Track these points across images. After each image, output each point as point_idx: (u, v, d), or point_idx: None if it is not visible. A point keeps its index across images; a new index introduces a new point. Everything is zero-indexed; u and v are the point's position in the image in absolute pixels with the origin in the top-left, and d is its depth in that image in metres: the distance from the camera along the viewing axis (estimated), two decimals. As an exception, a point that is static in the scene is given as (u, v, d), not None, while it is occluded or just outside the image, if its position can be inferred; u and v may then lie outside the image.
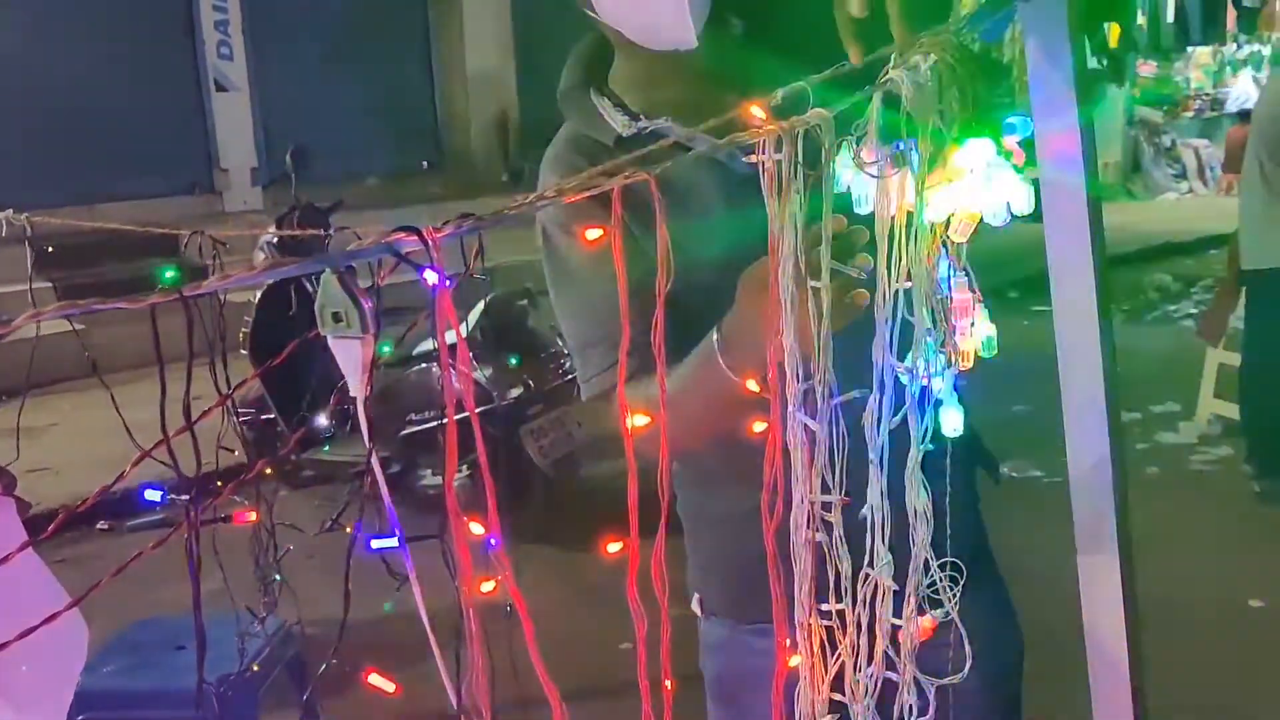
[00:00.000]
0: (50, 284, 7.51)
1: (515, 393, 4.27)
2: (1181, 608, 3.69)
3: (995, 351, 1.02)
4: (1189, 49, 14.03)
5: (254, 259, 5.02)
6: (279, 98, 9.09)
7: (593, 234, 0.86)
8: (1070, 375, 1.09)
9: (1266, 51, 13.02)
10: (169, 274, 0.90)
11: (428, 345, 4.20)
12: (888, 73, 0.91)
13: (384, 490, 0.76)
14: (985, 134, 0.91)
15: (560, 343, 4.56)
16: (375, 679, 0.95)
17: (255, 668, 2.43)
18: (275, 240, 4.90)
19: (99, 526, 4.95)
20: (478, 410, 0.78)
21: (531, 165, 10.15)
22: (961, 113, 0.90)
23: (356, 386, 0.71)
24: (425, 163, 9.22)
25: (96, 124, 8.12)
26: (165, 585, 3.84)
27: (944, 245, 0.97)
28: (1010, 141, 0.94)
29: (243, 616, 2.47)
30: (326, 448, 4.78)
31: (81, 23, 8.12)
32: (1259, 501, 4.51)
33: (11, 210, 1.63)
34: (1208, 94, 14.31)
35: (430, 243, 0.70)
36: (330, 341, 0.70)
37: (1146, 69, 14.15)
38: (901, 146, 0.91)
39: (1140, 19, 13.12)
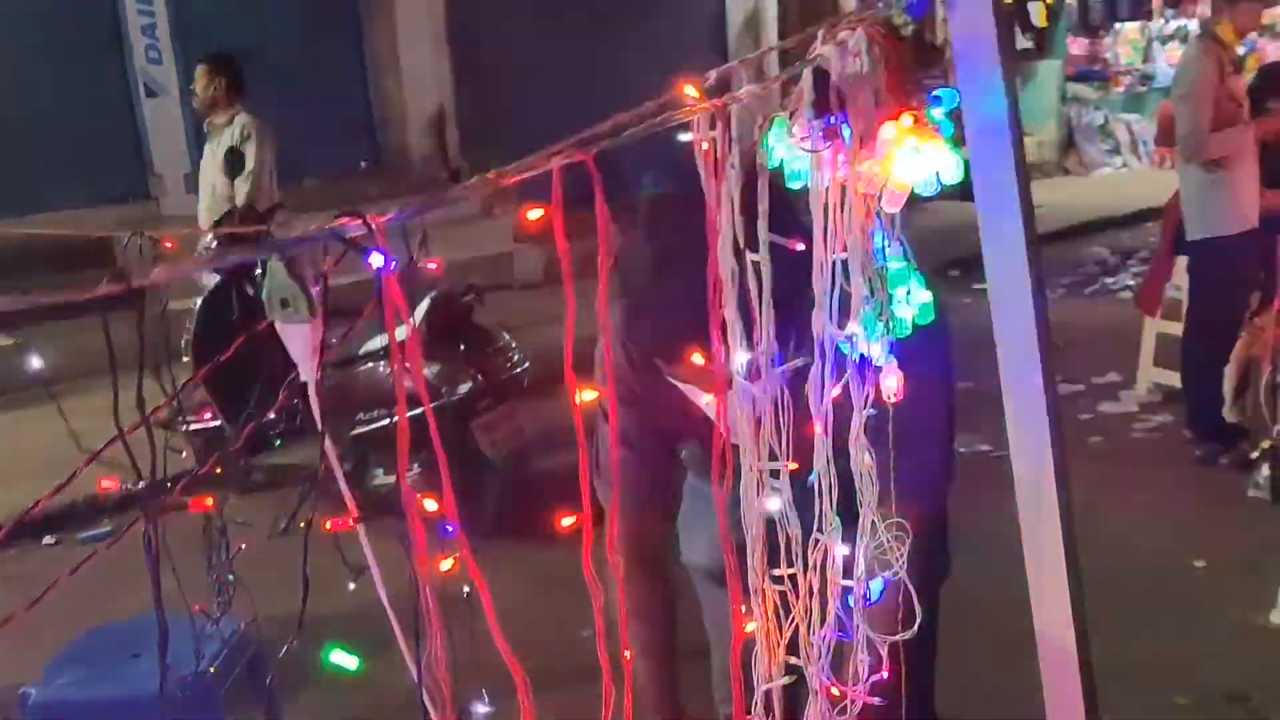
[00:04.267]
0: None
1: (465, 388, 4.26)
2: (1126, 570, 3.78)
3: (931, 318, 1.04)
4: (1116, 25, 14.28)
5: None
6: (211, 101, 8.97)
7: (534, 214, 0.87)
8: (1005, 337, 1.12)
9: (1193, 26, 13.26)
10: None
11: (375, 344, 4.18)
12: (817, 49, 0.93)
13: (338, 472, 0.77)
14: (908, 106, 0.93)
15: (507, 336, 4.56)
16: (337, 657, 0.95)
17: (213, 669, 2.42)
18: (215, 244, 4.85)
19: (45, 541, 4.87)
20: (422, 410, 0.79)
21: (470, 162, 10.11)
22: (888, 88, 0.93)
23: (307, 371, 0.72)
24: (363, 162, 9.14)
25: (23, 133, 7.96)
26: (114, 598, 3.80)
27: (878, 217, 1.00)
28: (937, 113, 0.97)
29: (197, 619, 2.45)
30: (277, 442, 4.74)
31: (6, 31, 7.95)
32: (1198, 465, 4.61)
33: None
34: (1137, 69, 14.55)
35: (373, 227, 0.71)
36: (279, 327, 0.70)
37: (1077, 46, 14.37)
38: (832, 121, 0.93)
39: (1069, -4, 13.37)
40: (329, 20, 9.72)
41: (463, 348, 4.35)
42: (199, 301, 4.87)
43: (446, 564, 0.86)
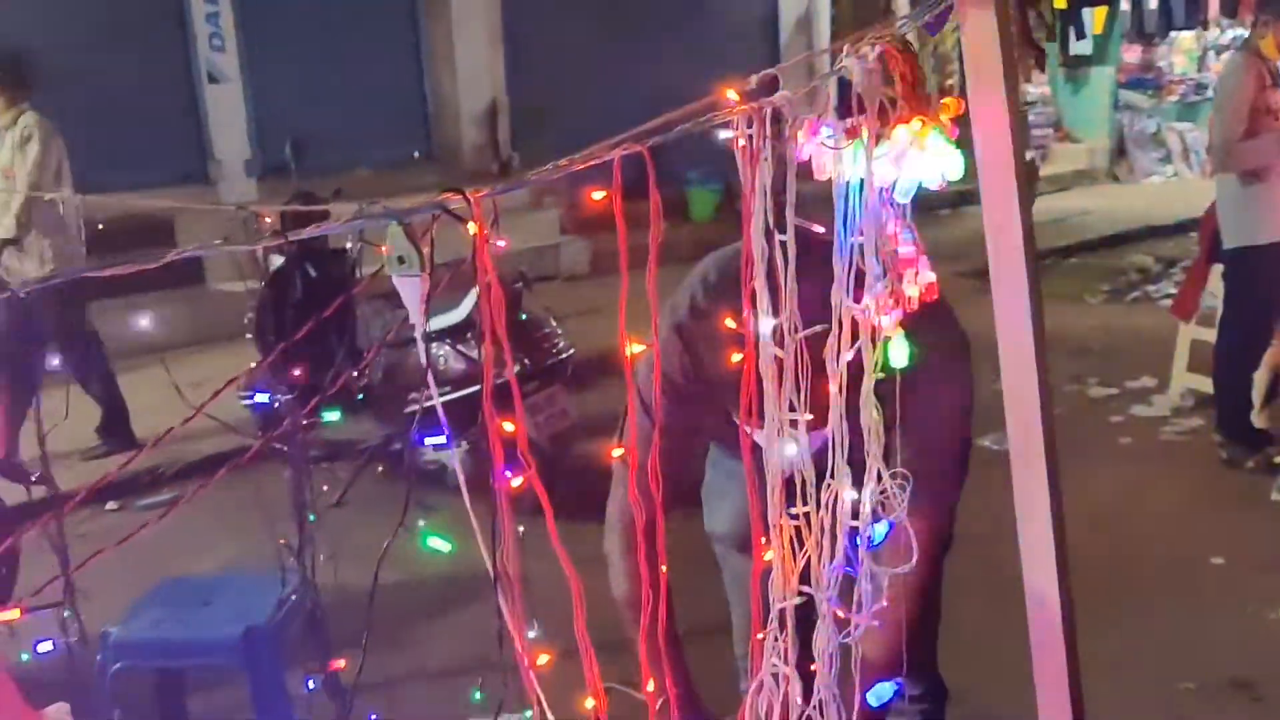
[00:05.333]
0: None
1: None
2: (1147, 563, 3.90)
3: (935, 296, 1.20)
4: (1173, 34, 14.22)
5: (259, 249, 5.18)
6: (271, 89, 9.21)
7: (597, 195, 1.03)
8: (1004, 317, 1.27)
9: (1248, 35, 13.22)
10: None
11: (432, 325, 4.37)
12: (841, 61, 1.09)
13: (434, 390, 0.94)
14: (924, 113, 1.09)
15: (553, 323, 4.74)
16: (434, 542, 1.13)
17: (278, 619, 2.61)
18: (279, 227, 5.05)
19: (108, 507, 5.10)
20: (476, 388, 0.96)
21: (520, 155, 10.30)
22: (903, 93, 1.09)
23: (416, 316, 0.90)
24: (416, 153, 9.36)
25: (87, 117, 8.23)
26: (178, 561, 4.03)
27: (892, 206, 1.16)
28: (943, 118, 1.13)
29: (264, 575, 2.66)
30: (328, 417, 4.94)
31: (74, 17, 8.23)
32: (1225, 468, 4.71)
33: (69, 189, 1.79)
34: (1191, 78, 14.48)
35: (471, 201, 0.88)
36: (395, 280, 0.88)
37: (1131, 53, 14.33)
38: (853, 122, 1.09)
39: (1125, 4, 13.32)
40: (387, 15, 9.95)
41: (511, 332, 4.53)
42: (262, 282, 5.09)
43: (516, 481, 1.03)
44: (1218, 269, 5.06)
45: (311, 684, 2.74)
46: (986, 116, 1.23)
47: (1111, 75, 13.93)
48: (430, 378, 1.16)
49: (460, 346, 4.43)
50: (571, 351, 4.70)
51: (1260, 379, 4.85)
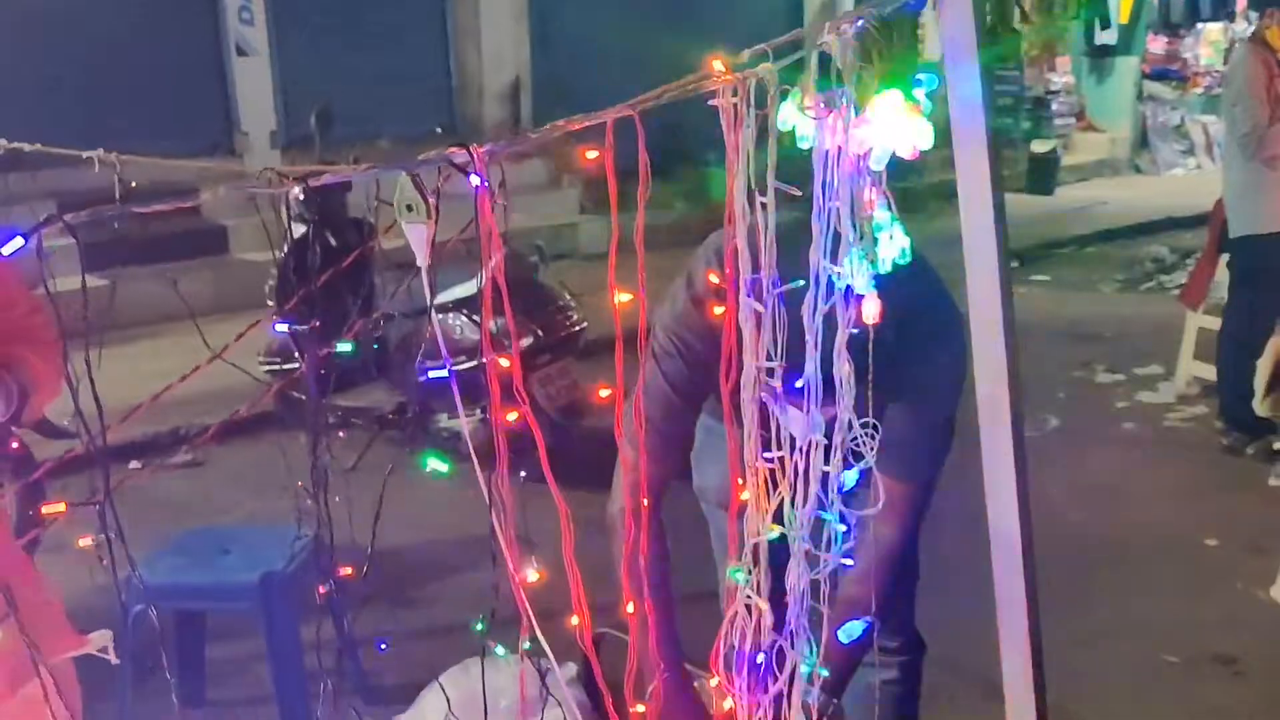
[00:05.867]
0: (73, 240, 7.75)
1: (525, 342, 4.55)
2: (1139, 542, 3.98)
3: (909, 259, 1.29)
4: (1199, 25, 14.15)
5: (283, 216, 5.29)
6: (298, 63, 9.32)
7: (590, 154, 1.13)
8: (975, 279, 1.35)
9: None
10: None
11: (448, 296, 4.47)
12: (822, 37, 1.18)
13: (436, 325, 1.04)
14: (896, 86, 1.18)
15: (568, 297, 4.84)
16: (433, 463, 1.22)
17: (291, 571, 2.72)
18: (302, 197, 5.16)
19: (130, 465, 5.25)
20: (489, 359, 1.05)
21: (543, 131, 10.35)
22: (879, 69, 1.17)
23: (422, 260, 0.99)
24: (439, 128, 9.45)
25: (117, 87, 8.36)
26: (199, 519, 4.15)
27: (870, 174, 1.25)
28: (918, 92, 1.21)
29: (279, 530, 2.76)
30: (349, 346, 5.04)
31: (107, -13, 8.35)
32: (1225, 454, 4.78)
33: (102, 149, 1.88)
34: (1217, 71, 14.43)
35: (475, 156, 0.97)
36: (404, 226, 0.97)
37: (1156, 44, 14.28)
38: (832, 94, 1.18)
39: (1151, -6, 13.29)
40: (416, -10, 10.05)
41: (526, 305, 4.63)
42: (284, 250, 5.20)
43: (512, 416, 1.13)
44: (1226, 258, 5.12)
45: (384, 646, 2.82)
46: (961, 86, 1.31)
47: (1136, 66, 13.88)
48: (436, 326, 1.25)
49: (475, 317, 4.53)
50: (584, 325, 4.80)
51: (1263, 367, 4.90)
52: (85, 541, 1.09)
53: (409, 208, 0.96)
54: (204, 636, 3.08)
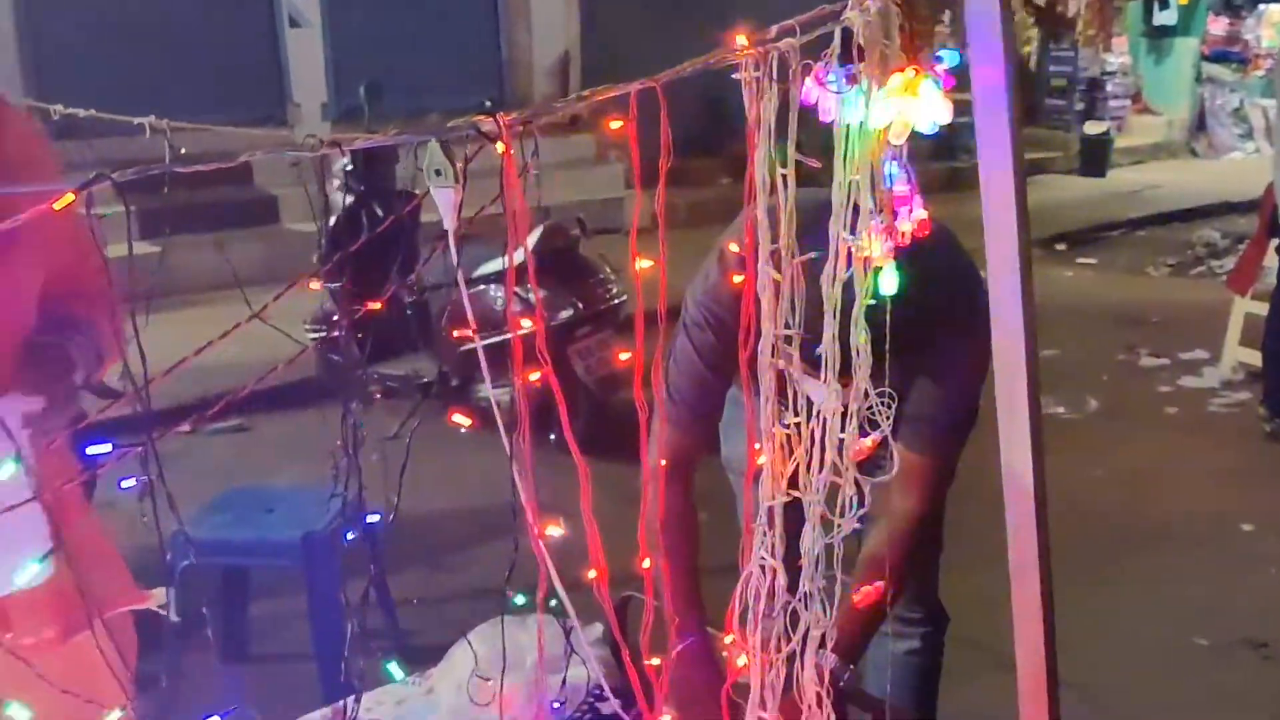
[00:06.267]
0: (133, 208, 7.88)
1: (565, 314, 4.60)
2: (1175, 526, 3.97)
3: (933, 235, 1.31)
4: (1261, 6, 13.88)
5: (328, 187, 5.38)
6: (349, 35, 9.41)
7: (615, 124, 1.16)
8: (995, 263, 1.37)
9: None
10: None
11: (489, 267, 4.53)
12: (845, 14, 1.21)
13: (464, 292, 1.08)
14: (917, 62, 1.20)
15: (608, 270, 4.88)
16: (458, 418, 1.27)
17: (333, 530, 2.80)
18: (350, 168, 5.24)
19: (180, 429, 5.37)
20: (529, 330, 1.09)
21: (589, 108, 10.37)
22: (900, 44, 1.20)
23: (449, 223, 1.04)
24: (487, 102, 9.52)
25: (170, 57, 8.49)
26: (244, 482, 4.24)
27: (892, 147, 1.27)
28: (940, 68, 1.24)
29: (327, 489, 2.83)
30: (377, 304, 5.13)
31: (162, -42, 8.47)
32: (1267, 440, 4.74)
33: (153, 115, 1.94)
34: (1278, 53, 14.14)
35: (501, 124, 1.01)
36: (432, 191, 1.02)
37: (1217, 25, 14.02)
38: (854, 69, 1.21)
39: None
40: (465, -37, 10.09)
41: (566, 277, 4.68)
42: (331, 220, 5.28)
43: (534, 375, 1.18)
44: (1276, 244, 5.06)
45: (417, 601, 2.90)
46: (984, 66, 1.33)
47: (1195, 47, 13.65)
48: (465, 293, 1.30)
49: (516, 289, 4.59)
50: (624, 298, 4.84)
51: (1309, 354, 4.86)
52: (128, 482, 1.15)
53: (437, 172, 1.00)
54: (247, 593, 3.17)
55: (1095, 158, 12.08)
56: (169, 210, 7.00)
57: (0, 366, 1.53)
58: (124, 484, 1.15)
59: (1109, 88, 13.28)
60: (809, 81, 1.22)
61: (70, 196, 0.82)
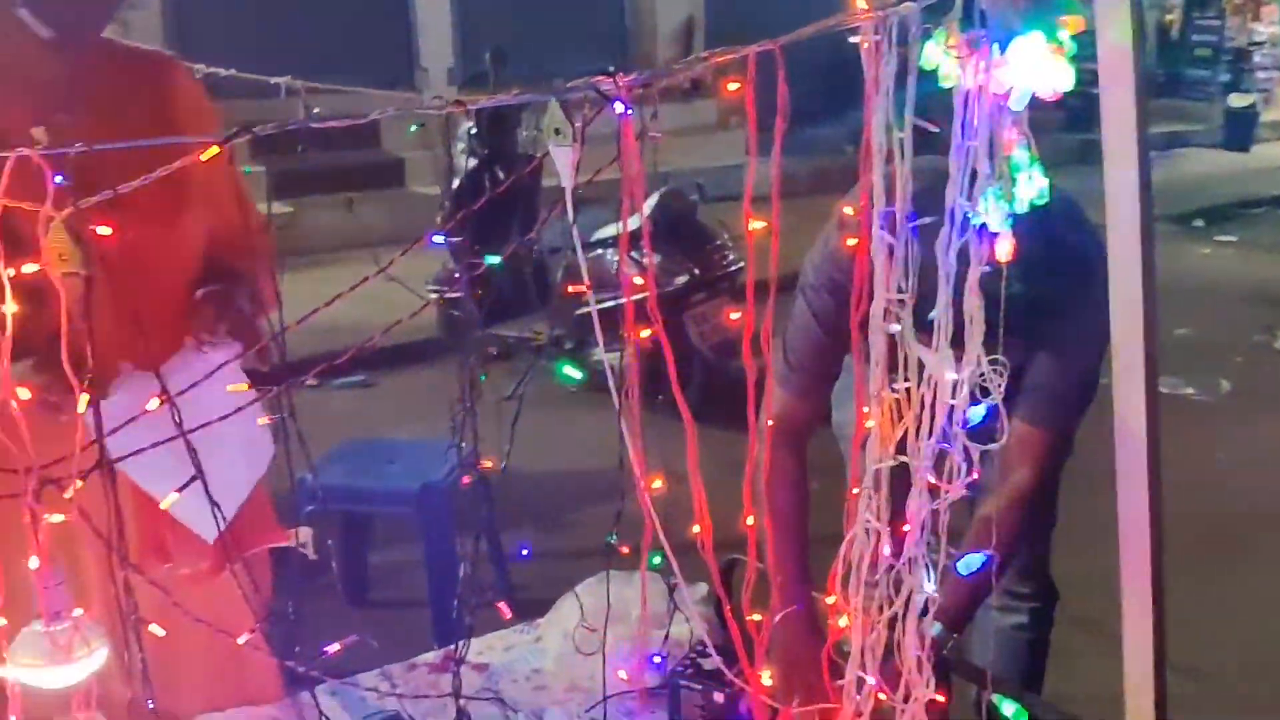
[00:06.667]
0: (263, 168, 8.20)
1: (681, 280, 4.62)
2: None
3: (1046, 200, 1.30)
4: None
5: (454, 149, 5.49)
6: (477, 1, 9.54)
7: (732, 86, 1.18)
8: (1116, 236, 1.35)
9: None
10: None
11: (607, 231, 4.58)
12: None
13: (580, 251, 1.11)
14: (1040, 27, 1.19)
15: (726, 236, 4.89)
16: (569, 370, 1.30)
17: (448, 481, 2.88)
18: (475, 131, 5.33)
19: (308, 383, 5.56)
20: (642, 295, 1.12)
21: (713, 72, 10.35)
22: (1023, 9, 1.18)
23: (567, 181, 1.07)
24: (611, 68, 9.54)
25: (306, 21, 8.71)
26: (366, 435, 4.38)
27: (1012, 113, 1.26)
28: (1063, 33, 1.22)
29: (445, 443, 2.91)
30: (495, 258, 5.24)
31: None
32: None
33: (290, 76, 2.03)
34: None
35: (619, 84, 1.04)
36: (551, 149, 1.05)
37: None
38: (975, 33, 1.20)
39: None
40: (592, -71, 10.12)
41: (683, 243, 4.70)
42: (455, 182, 5.39)
43: (645, 333, 1.20)
44: None
45: (526, 552, 2.98)
46: (1110, 35, 1.31)
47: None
48: (580, 253, 1.33)
49: (634, 253, 4.63)
50: (741, 265, 4.84)
51: None
52: (263, 420, 1.21)
53: (557, 131, 1.03)
54: (368, 540, 3.29)
55: (1239, 131, 11.58)
56: (301, 172, 7.24)
57: (172, 315, 1.63)
58: (260, 421, 1.21)
59: (1256, 58, 12.69)
60: (929, 45, 1.21)
61: (215, 149, 0.87)
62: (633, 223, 3.70)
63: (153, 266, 1.60)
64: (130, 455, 1.01)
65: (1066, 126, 9.17)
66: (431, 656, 1.88)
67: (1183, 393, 4.86)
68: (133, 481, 1.47)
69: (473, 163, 5.37)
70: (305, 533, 1.86)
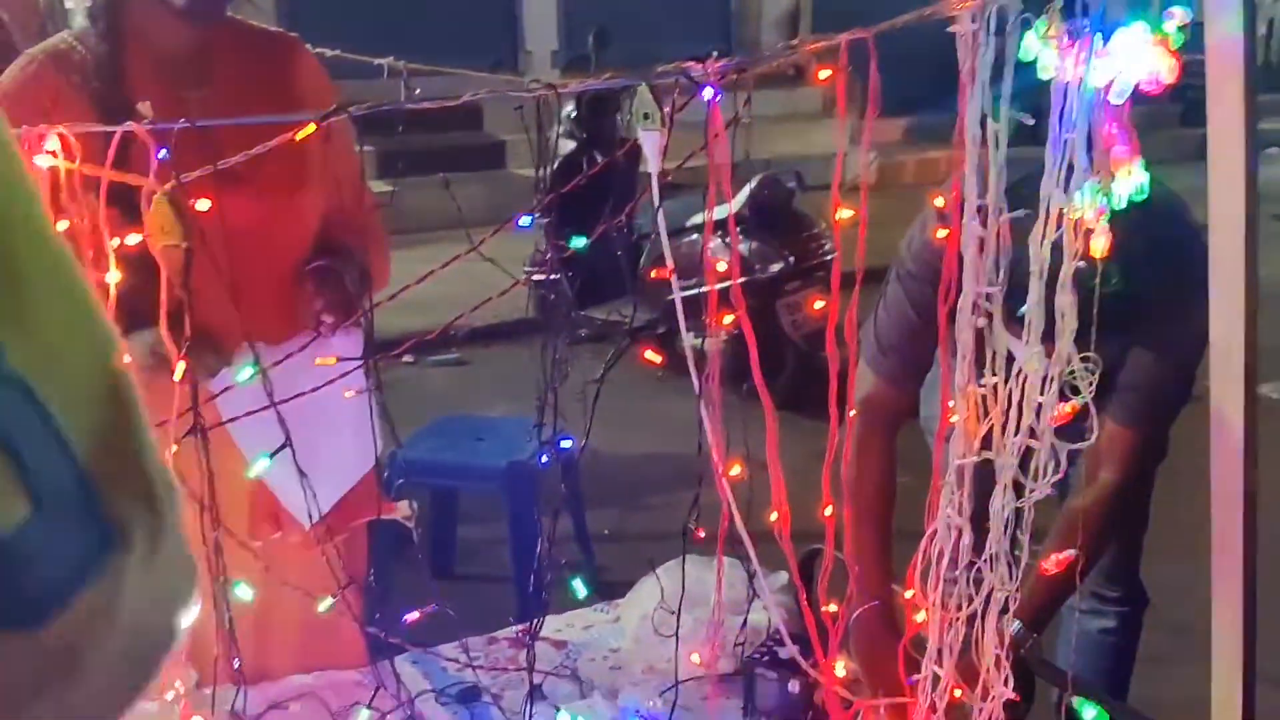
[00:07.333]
0: (371, 148, 8.34)
1: (775, 267, 4.60)
2: None
3: (1145, 196, 1.27)
4: None
5: (552, 133, 5.53)
6: (583, -17, 9.58)
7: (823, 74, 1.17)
8: (1219, 233, 1.31)
9: None
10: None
11: (700, 218, 4.57)
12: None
13: (665, 238, 1.12)
14: (1144, 18, 1.16)
15: (823, 224, 4.85)
16: (648, 356, 1.32)
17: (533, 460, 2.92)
18: (575, 114, 5.37)
19: (404, 360, 5.67)
20: (737, 281, 1.12)
21: (817, 58, 10.26)
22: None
23: (654, 165, 1.08)
24: (715, 52, 9.51)
25: (412, 4, 8.84)
26: (458, 413, 4.45)
27: (1111, 106, 1.23)
28: (1170, 24, 1.18)
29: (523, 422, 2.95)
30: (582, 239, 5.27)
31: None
32: None
33: (392, 57, 2.05)
34: None
35: (707, 70, 1.04)
36: (640, 133, 1.06)
37: None
38: (1076, 23, 1.17)
39: None
40: (698, -88, 10.07)
41: (779, 230, 4.67)
42: (554, 165, 5.43)
43: (728, 319, 1.21)
44: None
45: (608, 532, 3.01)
46: (1219, 25, 1.27)
47: None
48: (665, 240, 1.33)
49: (727, 240, 4.61)
50: (836, 254, 4.79)
51: None
52: (349, 393, 1.25)
53: (645, 115, 1.04)
54: (455, 515, 3.35)
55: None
56: (404, 152, 7.36)
57: (282, 290, 1.68)
58: (347, 394, 1.25)
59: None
60: (1029, 36, 1.19)
61: (312, 126, 0.90)
62: (725, 210, 3.68)
63: (273, 242, 1.66)
64: (225, 422, 1.05)
65: (1181, 121, 8.89)
66: (510, 631, 1.91)
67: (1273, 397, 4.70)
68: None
69: (571, 146, 5.40)
70: (407, 506, 1.90)
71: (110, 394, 0.40)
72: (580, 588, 1.61)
